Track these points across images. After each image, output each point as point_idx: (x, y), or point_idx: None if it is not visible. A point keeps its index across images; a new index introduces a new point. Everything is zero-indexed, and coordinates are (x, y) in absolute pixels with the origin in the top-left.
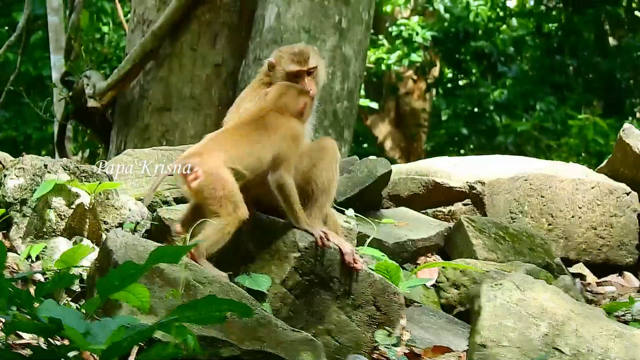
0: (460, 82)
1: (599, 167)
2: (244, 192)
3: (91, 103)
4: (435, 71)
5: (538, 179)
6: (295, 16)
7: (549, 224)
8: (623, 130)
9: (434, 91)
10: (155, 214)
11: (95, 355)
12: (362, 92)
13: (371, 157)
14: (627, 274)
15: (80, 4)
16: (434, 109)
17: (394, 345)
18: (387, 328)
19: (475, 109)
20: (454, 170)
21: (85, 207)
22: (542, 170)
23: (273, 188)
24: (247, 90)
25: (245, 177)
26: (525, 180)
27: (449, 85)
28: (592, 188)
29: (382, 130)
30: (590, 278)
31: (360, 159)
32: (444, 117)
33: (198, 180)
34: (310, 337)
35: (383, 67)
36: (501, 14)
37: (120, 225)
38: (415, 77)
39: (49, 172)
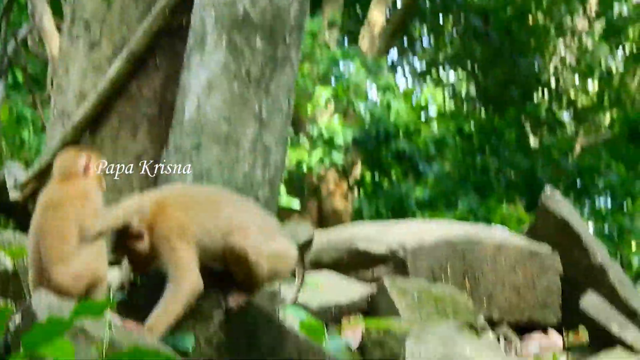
0: (382, 183)
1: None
2: None
3: (12, 195)
4: (357, 171)
5: (460, 242)
6: (215, 106)
7: (472, 287)
8: (545, 194)
9: (355, 192)
10: None
11: None
12: (284, 193)
13: (293, 222)
14: (551, 331)
15: (0, 101)
16: (356, 210)
17: None
18: None
19: (398, 208)
20: (376, 236)
21: (9, 273)
22: (464, 234)
23: None
24: None
25: None
26: (448, 244)
27: (370, 186)
28: (515, 250)
29: None
30: (514, 338)
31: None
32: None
33: None
34: None
35: (304, 168)
36: (422, 118)
37: None
38: (337, 179)
39: None
